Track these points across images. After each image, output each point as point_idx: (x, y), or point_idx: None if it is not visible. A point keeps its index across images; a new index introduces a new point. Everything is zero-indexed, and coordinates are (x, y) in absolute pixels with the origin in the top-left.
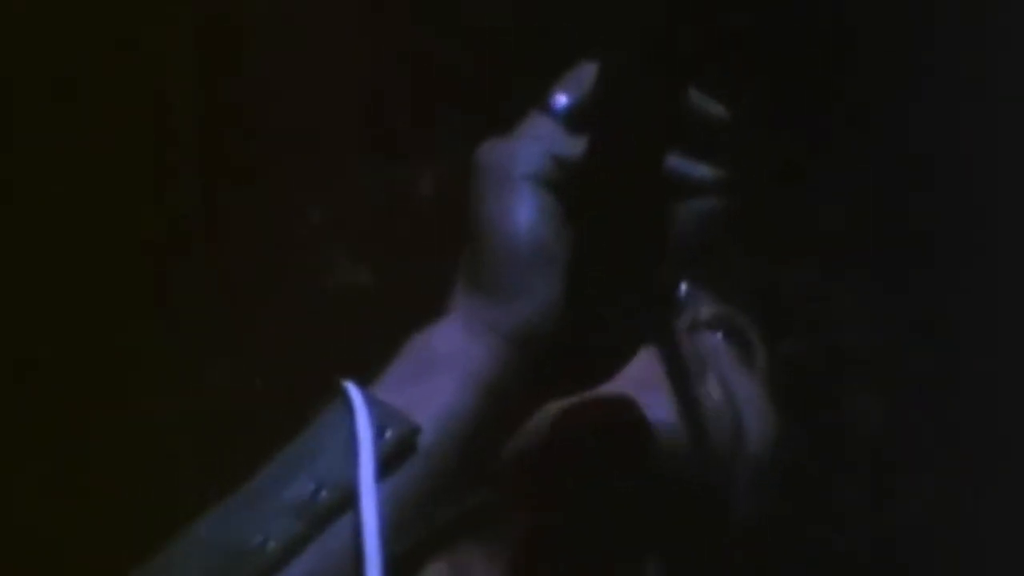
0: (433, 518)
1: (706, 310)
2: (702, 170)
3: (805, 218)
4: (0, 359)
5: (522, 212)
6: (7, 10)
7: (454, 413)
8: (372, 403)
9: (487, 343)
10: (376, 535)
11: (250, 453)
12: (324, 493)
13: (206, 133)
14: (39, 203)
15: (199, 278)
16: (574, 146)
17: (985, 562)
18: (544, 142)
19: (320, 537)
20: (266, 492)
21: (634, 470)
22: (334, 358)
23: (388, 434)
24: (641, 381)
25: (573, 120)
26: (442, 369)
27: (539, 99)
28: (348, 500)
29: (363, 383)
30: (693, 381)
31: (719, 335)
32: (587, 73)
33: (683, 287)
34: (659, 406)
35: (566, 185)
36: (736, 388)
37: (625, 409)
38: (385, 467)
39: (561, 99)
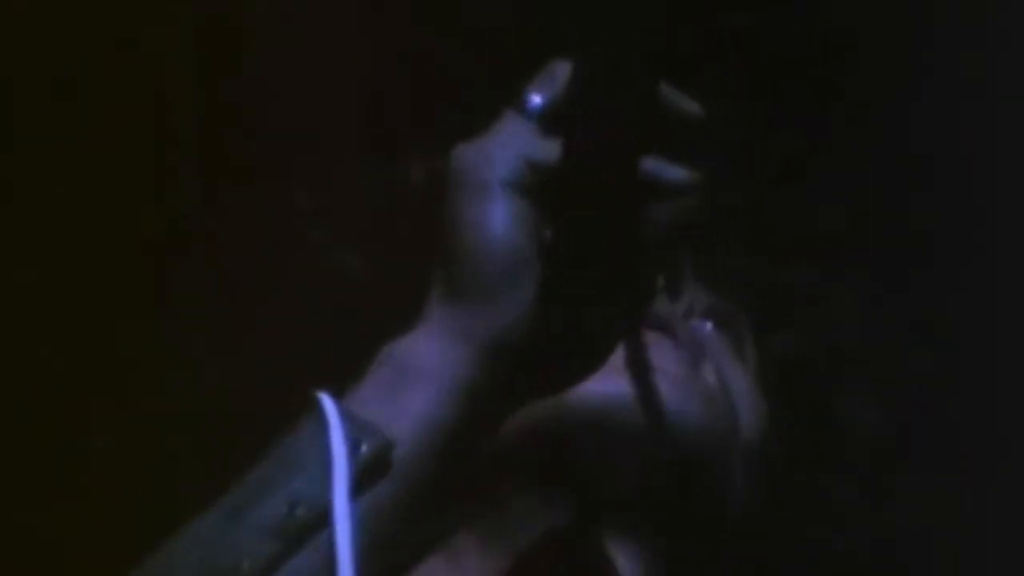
0: (411, 532)
1: (699, 301)
2: (677, 172)
3: (805, 218)
4: (0, 359)
5: (496, 220)
6: (7, 10)
7: (430, 425)
8: (347, 417)
9: (462, 352)
10: (349, 556)
11: (250, 453)
12: (300, 511)
13: (206, 133)
14: (39, 203)
15: (199, 278)
16: (548, 148)
17: (985, 562)
18: (518, 145)
19: (296, 557)
20: (241, 510)
21: None
22: (334, 358)
23: (363, 448)
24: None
25: (547, 120)
26: (417, 379)
27: (514, 99)
28: (324, 518)
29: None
30: (692, 366)
31: (709, 325)
32: (560, 72)
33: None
34: (660, 391)
35: (540, 188)
36: (729, 378)
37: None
38: (361, 482)
39: (535, 99)
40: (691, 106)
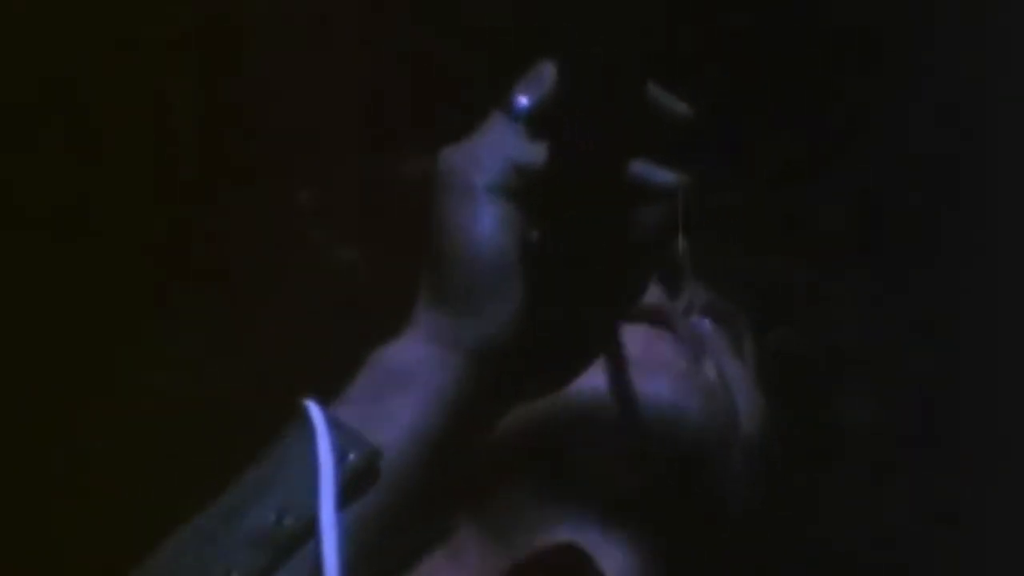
0: (399, 540)
1: (699, 298)
2: (664, 174)
3: (805, 218)
4: None
5: (483, 225)
6: (7, 10)
7: (416, 432)
8: (334, 425)
9: (449, 358)
10: (336, 567)
11: (249, 453)
12: (288, 520)
13: (206, 133)
14: (39, 203)
15: (199, 278)
16: (535, 150)
17: (985, 562)
18: (505, 147)
19: (284, 567)
20: (228, 521)
21: None
22: (334, 358)
23: (351, 457)
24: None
25: (535, 122)
26: (404, 386)
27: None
28: (312, 527)
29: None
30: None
31: (707, 322)
32: (548, 73)
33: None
34: (661, 385)
35: (527, 191)
36: (729, 374)
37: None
38: (348, 492)
39: (522, 100)
40: (679, 106)
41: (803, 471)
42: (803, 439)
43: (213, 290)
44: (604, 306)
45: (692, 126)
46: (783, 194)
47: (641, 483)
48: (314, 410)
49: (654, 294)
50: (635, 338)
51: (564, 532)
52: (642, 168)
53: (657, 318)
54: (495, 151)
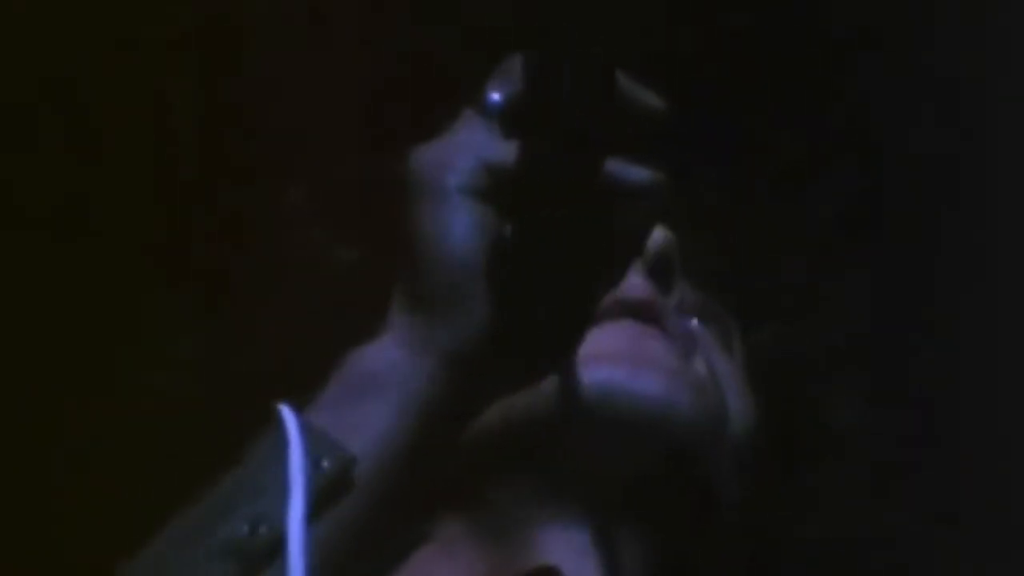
0: (375, 546)
1: (688, 296)
2: (640, 172)
3: (804, 218)
4: None
5: (456, 228)
6: (7, 10)
7: (391, 438)
8: (308, 431)
9: (423, 363)
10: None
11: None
12: (262, 530)
13: (206, 133)
14: (39, 203)
15: (199, 278)
16: (507, 148)
17: (985, 562)
18: (476, 146)
19: None
20: (200, 531)
21: None
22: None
23: (325, 465)
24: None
25: (508, 118)
26: (378, 391)
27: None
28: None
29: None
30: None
31: (695, 320)
32: (517, 67)
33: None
34: (651, 381)
35: (499, 190)
36: (719, 370)
37: None
38: (323, 499)
39: (494, 96)
40: (652, 100)
41: (801, 470)
42: (803, 440)
43: (213, 290)
44: (577, 304)
45: (666, 119)
46: (782, 194)
47: (633, 479)
48: (288, 415)
49: (644, 291)
50: (625, 334)
51: (557, 530)
52: (617, 166)
53: (647, 315)
54: (467, 150)
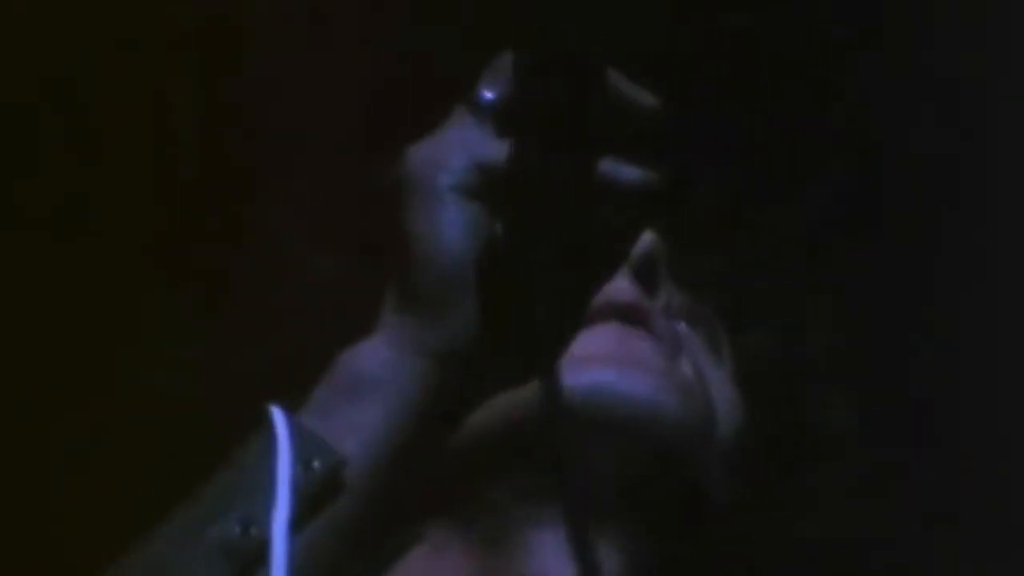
0: (365, 548)
1: (675, 299)
2: (633, 172)
3: (803, 218)
4: None
5: (448, 228)
6: (7, 10)
7: (382, 438)
8: (298, 432)
9: (415, 362)
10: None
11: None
12: (253, 531)
13: (206, 133)
14: (39, 203)
15: (198, 278)
16: (499, 147)
17: (985, 562)
18: (468, 144)
19: None
20: (193, 532)
21: None
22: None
23: (316, 466)
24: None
25: (500, 117)
26: (370, 391)
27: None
28: None
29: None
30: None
31: (682, 324)
32: (508, 65)
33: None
34: (638, 382)
35: (492, 190)
36: (706, 372)
37: None
38: (313, 500)
39: (486, 94)
40: (645, 98)
41: (800, 471)
42: (799, 439)
43: (213, 290)
44: (569, 303)
45: (660, 117)
46: (781, 194)
47: (621, 480)
48: (278, 416)
49: (631, 293)
50: (612, 336)
51: (547, 531)
52: (609, 166)
53: (634, 317)
54: (459, 149)
